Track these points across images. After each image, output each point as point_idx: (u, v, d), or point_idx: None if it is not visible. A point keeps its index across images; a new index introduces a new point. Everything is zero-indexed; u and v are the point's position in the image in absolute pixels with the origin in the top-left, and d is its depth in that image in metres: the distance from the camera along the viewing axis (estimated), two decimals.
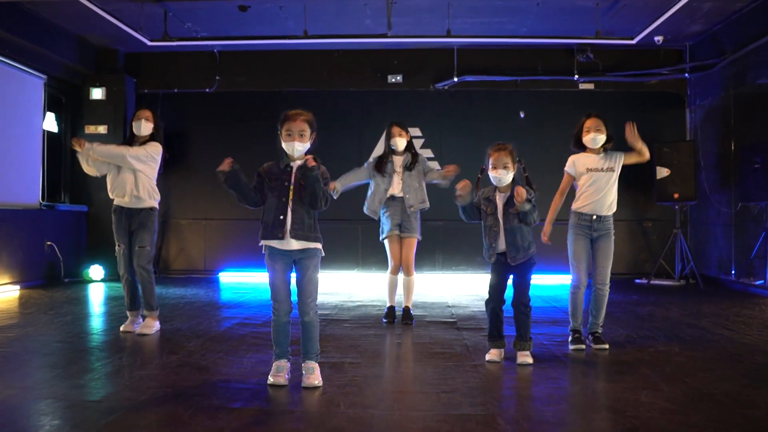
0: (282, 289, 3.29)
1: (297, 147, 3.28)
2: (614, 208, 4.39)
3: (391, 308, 5.36)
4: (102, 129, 8.93)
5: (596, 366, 3.78)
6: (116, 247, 4.76)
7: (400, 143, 5.35)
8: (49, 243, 8.05)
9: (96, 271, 8.40)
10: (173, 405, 2.89)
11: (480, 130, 8.83)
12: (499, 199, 3.86)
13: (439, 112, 9.15)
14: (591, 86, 9.18)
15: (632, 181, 9.10)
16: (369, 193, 5.40)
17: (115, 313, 5.67)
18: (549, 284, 7.95)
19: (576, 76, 9.00)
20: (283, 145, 3.31)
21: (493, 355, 3.85)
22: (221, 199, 9.18)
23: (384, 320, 5.31)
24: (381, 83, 9.22)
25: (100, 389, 3.20)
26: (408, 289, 5.34)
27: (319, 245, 3.33)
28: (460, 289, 7.75)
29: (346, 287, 7.76)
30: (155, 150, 4.81)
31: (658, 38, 8.48)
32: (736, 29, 7.76)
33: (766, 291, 6.95)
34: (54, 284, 7.91)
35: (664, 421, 2.70)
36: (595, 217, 4.31)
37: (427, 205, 5.40)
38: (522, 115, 9.12)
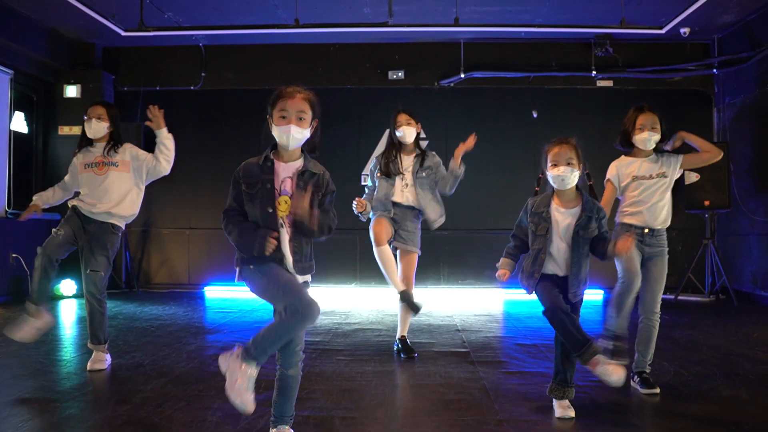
0: (290, 282, 2.40)
1: (294, 133, 2.45)
2: (668, 222, 3.61)
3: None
4: (77, 130, 8.06)
5: (655, 420, 3.00)
6: (53, 231, 3.96)
7: (409, 133, 4.38)
8: (14, 255, 7.28)
9: (67, 286, 7.62)
10: None
11: (489, 131, 8.03)
12: (559, 216, 3.05)
13: (444, 112, 8.39)
14: (610, 83, 8.43)
15: None
16: (372, 197, 4.45)
17: (73, 337, 4.89)
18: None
19: (594, 72, 8.26)
20: (275, 130, 2.46)
21: (565, 408, 3.00)
22: (206, 207, 8.41)
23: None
24: (381, 80, 8.45)
25: None
26: (406, 316, 4.41)
27: (309, 277, 2.58)
28: (469, 306, 6.98)
29: (343, 304, 6.99)
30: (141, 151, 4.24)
31: (685, 30, 7.75)
32: None
33: None
34: (19, 301, 7.11)
35: None
36: (647, 230, 3.54)
37: (443, 219, 4.49)
38: (535, 115, 8.35)
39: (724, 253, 8.00)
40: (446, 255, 8.26)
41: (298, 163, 2.50)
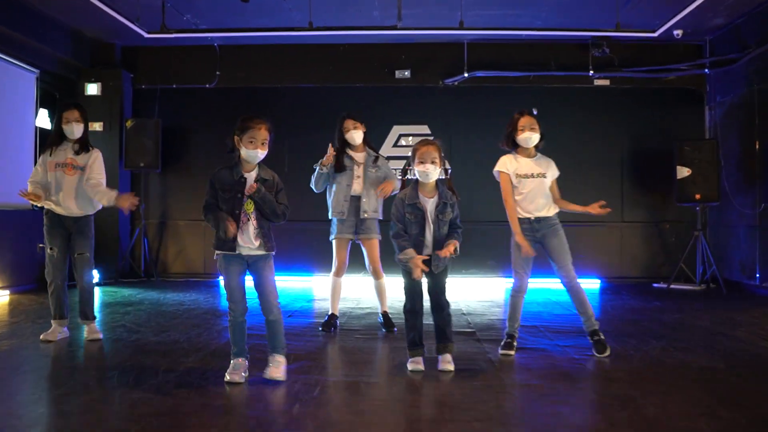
0: (237, 290, 3.44)
1: (259, 155, 3.41)
2: (554, 210, 4.23)
3: (332, 316, 4.98)
4: (98, 126, 8.54)
5: (639, 385, 3.41)
6: (48, 251, 4.50)
7: (357, 136, 4.98)
8: (41, 246, 7.67)
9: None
10: None
11: (491, 127, 8.29)
12: (426, 205, 3.65)
13: (448, 109, 8.78)
14: (606, 82, 8.81)
15: (649, 181, 8.79)
16: (331, 196, 4.96)
17: (109, 321, 5.31)
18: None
19: (591, 72, 8.64)
20: (244, 152, 3.39)
21: (417, 364, 3.69)
22: None
23: (320, 329, 4.93)
24: (388, 78, 8.85)
25: (88, 418, 2.83)
26: (381, 293, 5.05)
27: (273, 252, 3.50)
28: (473, 294, 7.38)
29: (353, 292, 7.39)
30: (101, 165, 4.64)
31: (678, 32, 8.13)
32: (761, 22, 7.40)
33: None
34: (46, 288, 7.52)
35: None
36: (533, 218, 4.17)
37: (379, 215, 5.00)
38: (535, 112, 8.51)
39: (714, 244, 8.41)
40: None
41: (254, 173, 3.45)
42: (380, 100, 8.78)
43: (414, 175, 3.67)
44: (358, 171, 4.95)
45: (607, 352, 4.06)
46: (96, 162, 4.58)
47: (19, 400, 3.09)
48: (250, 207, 3.41)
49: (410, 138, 8.76)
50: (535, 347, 4.37)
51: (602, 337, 4.15)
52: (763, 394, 3.24)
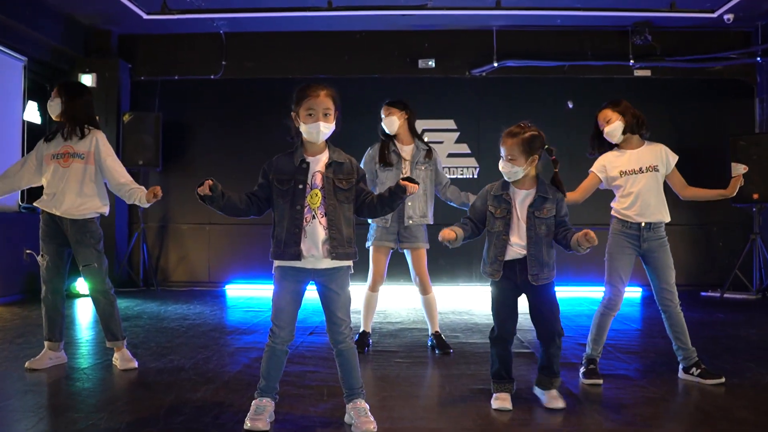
0: (286, 312, 2.69)
1: (323, 129, 2.68)
2: (666, 215, 3.54)
3: (364, 334, 4.29)
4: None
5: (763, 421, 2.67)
6: (38, 258, 3.77)
7: (389, 124, 4.22)
8: (28, 251, 6.93)
9: (83, 284, 7.29)
10: None
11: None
12: (517, 197, 3.01)
13: (476, 102, 8.04)
14: (648, 73, 8.08)
15: (695, 179, 8.04)
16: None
17: (101, 341, 4.53)
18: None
19: (631, 61, 7.93)
20: (304, 127, 2.69)
21: (503, 401, 2.97)
22: None
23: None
24: (410, 69, 8.10)
25: None
26: (430, 310, 4.30)
27: (351, 263, 2.75)
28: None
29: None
30: (109, 150, 3.83)
31: (729, 16, 7.41)
32: None
33: None
34: (33, 299, 6.78)
35: None
36: (643, 224, 3.48)
37: (429, 220, 4.28)
38: (570, 105, 8.01)
39: None
40: (478, 251, 7.92)
41: (325, 156, 2.73)
42: (401, 92, 7.89)
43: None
44: (405, 168, 4.22)
45: (722, 379, 3.38)
46: (102, 147, 3.75)
47: None
48: (315, 201, 2.66)
49: (434, 133, 8.01)
50: (613, 373, 3.62)
51: (704, 366, 3.46)
52: None
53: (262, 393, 2.69)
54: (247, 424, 2.60)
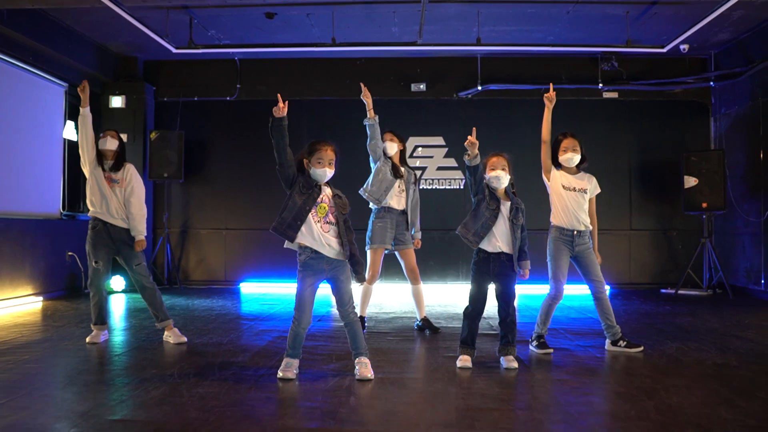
0: (308, 302, 3.64)
1: (328, 174, 3.67)
2: (590, 227, 4.55)
3: (361, 319, 5.24)
4: (123, 137, 8.79)
5: (660, 379, 3.68)
6: (93, 264, 4.75)
7: (390, 148, 5.30)
8: (70, 253, 7.94)
9: (117, 281, 8.30)
10: (253, 428, 2.79)
11: (504, 139, 8.74)
12: (504, 207, 3.97)
13: (462, 121, 9.08)
14: (615, 95, 9.13)
15: (657, 190, 9.06)
16: (372, 177, 5.26)
17: (147, 326, 5.55)
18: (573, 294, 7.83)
19: (600, 85, 8.95)
20: (314, 171, 3.66)
21: (465, 361, 3.99)
22: (242, 208, 9.11)
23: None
24: (404, 92, 9.16)
25: (165, 409, 3.08)
26: (419, 299, 5.38)
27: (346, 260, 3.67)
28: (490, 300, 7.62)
29: (372, 299, 7.65)
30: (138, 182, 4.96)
31: (684, 47, 8.43)
32: (765, 38, 7.71)
33: None
34: (75, 295, 7.80)
35: None
36: (575, 232, 4.46)
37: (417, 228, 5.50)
38: None
39: (720, 251, 8.69)
40: (467, 252, 8.92)
41: (329, 189, 3.74)
42: (397, 112, 9.06)
43: (487, 181, 4.01)
44: (402, 185, 5.29)
45: (641, 348, 4.47)
46: (132, 178, 4.89)
47: (96, 390, 3.34)
48: (322, 212, 3.63)
49: (425, 149, 9.04)
50: (559, 347, 4.63)
51: (628, 339, 4.54)
52: None
53: (290, 356, 3.68)
54: (279, 374, 3.62)
